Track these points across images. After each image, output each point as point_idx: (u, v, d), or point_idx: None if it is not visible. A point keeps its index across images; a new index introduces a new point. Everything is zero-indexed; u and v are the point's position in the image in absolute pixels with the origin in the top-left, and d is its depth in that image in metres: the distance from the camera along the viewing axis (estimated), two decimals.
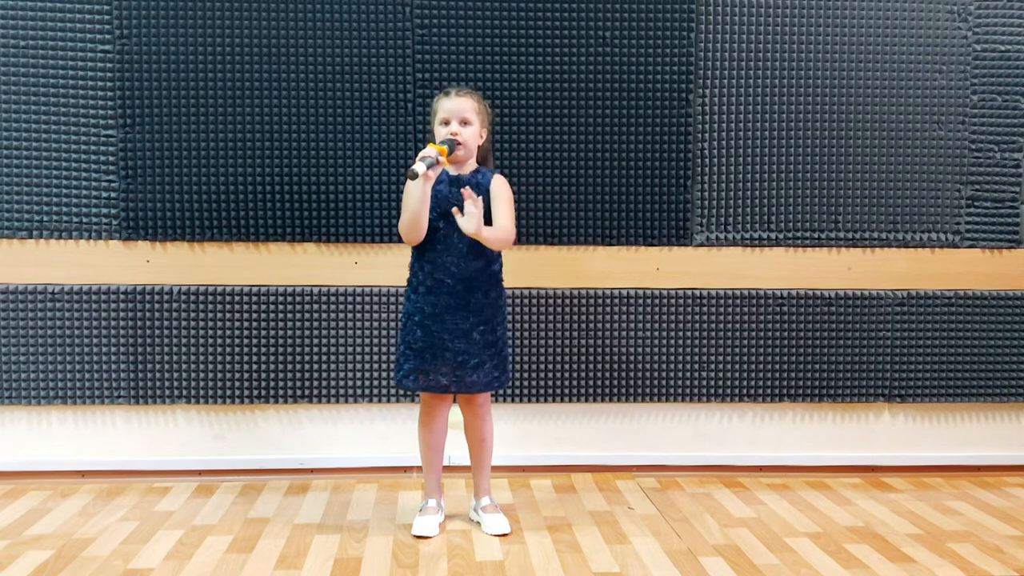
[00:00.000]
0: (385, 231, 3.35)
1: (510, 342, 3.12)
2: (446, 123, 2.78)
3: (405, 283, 3.03)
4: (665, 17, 3.36)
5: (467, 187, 2.69)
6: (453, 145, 2.73)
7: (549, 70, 3.35)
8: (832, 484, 3.44)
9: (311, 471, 3.41)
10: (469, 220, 2.66)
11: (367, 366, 3.39)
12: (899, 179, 3.47)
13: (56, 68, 3.24)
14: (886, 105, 3.45)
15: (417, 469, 3.39)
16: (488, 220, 2.75)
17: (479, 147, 2.84)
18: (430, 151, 2.66)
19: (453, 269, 2.77)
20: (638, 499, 3.22)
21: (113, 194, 3.29)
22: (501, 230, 2.75)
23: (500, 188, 2.81)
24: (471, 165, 2.84)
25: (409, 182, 2.73)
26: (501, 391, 3.34)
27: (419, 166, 2.60)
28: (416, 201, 2.69)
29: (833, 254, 3.48)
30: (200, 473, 3.38)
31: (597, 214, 3.40)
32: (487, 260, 2.82)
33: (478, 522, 2.93)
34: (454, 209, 2.69)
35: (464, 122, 2.78)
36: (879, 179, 3.47)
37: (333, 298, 3.36)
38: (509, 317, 3.09)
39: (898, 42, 3.43)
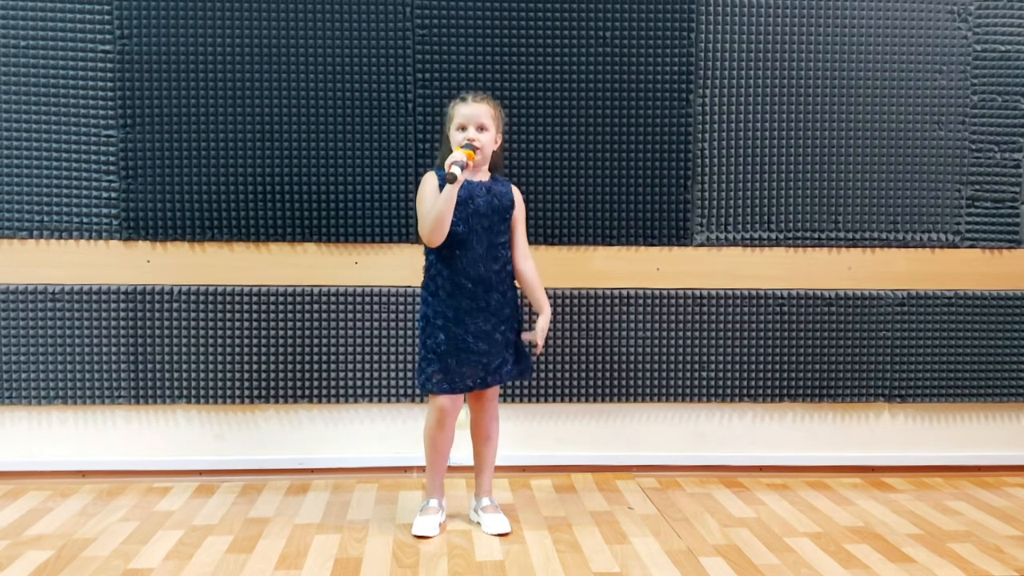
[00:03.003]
0: (385, 231, 3.35)
1: None
2: (463, 128, 2.79)
3: (411, 284, 3.04)
4: (665, 17, 3.36)
5: (537, 344, 2.87)
6: (474, 150, 2.75)
7: (549, 70, 3.35)
8: (832, 484, 3.44)
9: (311, 471, 3.41)
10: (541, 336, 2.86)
11: (367, 366, 3.39)
12: (899, 179, 3.48)
13: (56, 68, 3.24)
14: (886, 105, 3.45)
15: (418, 469, 3.39)
16: (503, 224, 2.83)
17: (492, 152, 2.85)
18: (460, 156, 2.68)
19: (471, 272, 2.79)
20: (638, 499, 3.22)
21: (113, 194, 3.29)
22: (532, 266, 2.91)
23: (521, 206, 2.91)
24: (485, 171, 2.85)
25: (427, 186, 2.79)
26: (502, 391, 3.34)
27: (456, 169, 2.64)
28: (445, 203, 2.70)
29: (833, 254, 3.48)
30: (200, 473, 3.38)
31: (597, 214, 3.40)
32: (503, 262, 2.84)
33: (478, 522, 2.93)
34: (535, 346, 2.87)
35: (481, 128, 2.79)
36: (879, 179, 3.47)
37: (333, 298, 3.36)
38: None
39: (898, 42, 3.43)
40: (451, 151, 2.77)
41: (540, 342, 2.86)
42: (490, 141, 2.81)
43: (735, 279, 3.46)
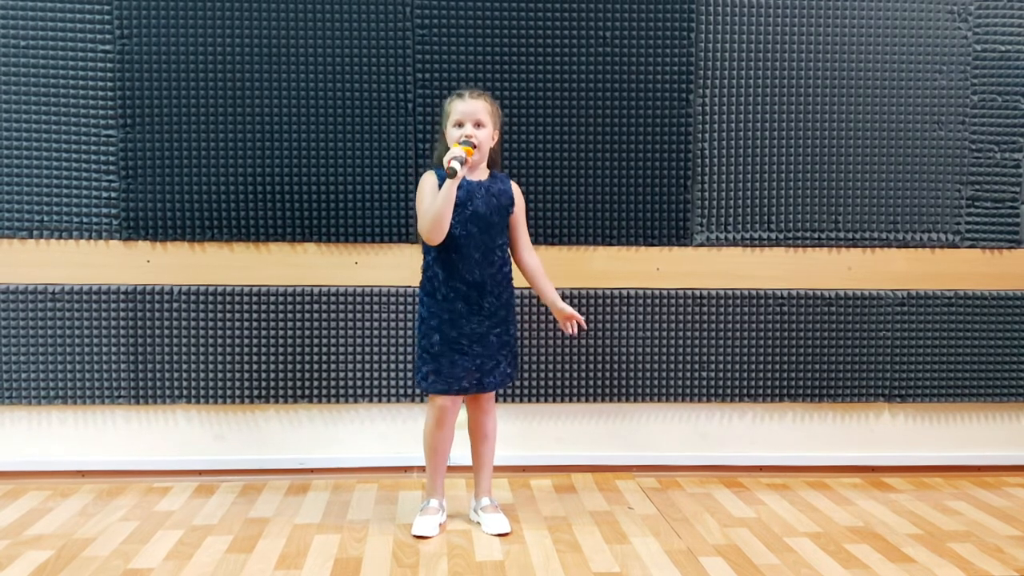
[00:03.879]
0: (385, 231, 3.35)
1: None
2: (460, 125, 2.78)
3: (411, 284, 3.04)
4: (665, 17, 3.36)
5: (571, 323, 2.90)
6: (472, 146, 2.73)
7: (549, 70, 3.35)
8: (832, 484, 3.44)
9: (311, 471, 3.41)
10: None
11: (367, 366, 3.39)
12: (899, 179, 3.48)
13: (56, 68, 3.24)
14: (886, 105, 3.45)
15: (418, 469, 3.39)
16: (502, 224, 2.84)
17: (490, 149, 2.84)
18: (459, 152, 2.67)
19: (467, 276, 2.79)
20: (638, 499, 3.22)
21: (113, 194, 3.29)
22: (536, 259, 2.93)
23: (521, 202, 2.91)
24: (483, 169, 2.85)
25: (426, 184, 2.79)
26: (501, 391, 3.33)
27: (456, 164, 2.63)
28: (444, 200, 2.69)
29: (833, 254, 3.48)
30: (200, 473, 3.38)
31: (597, 214, 3.40)
32: (499, 264, 2.84)
33: (478, 522, 2.93)
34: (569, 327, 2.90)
35: (478, 124, 2.78)
36: (879, 179, 3.47)
37: (333, 298, 3.36)
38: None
39: (898, 42, 3.43)
40: (448, 148, 2.76)
41: (578, 320, 2.88)
42: (487, 138, 2.80)
43: (735, 279, 3.45)
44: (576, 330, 2.90)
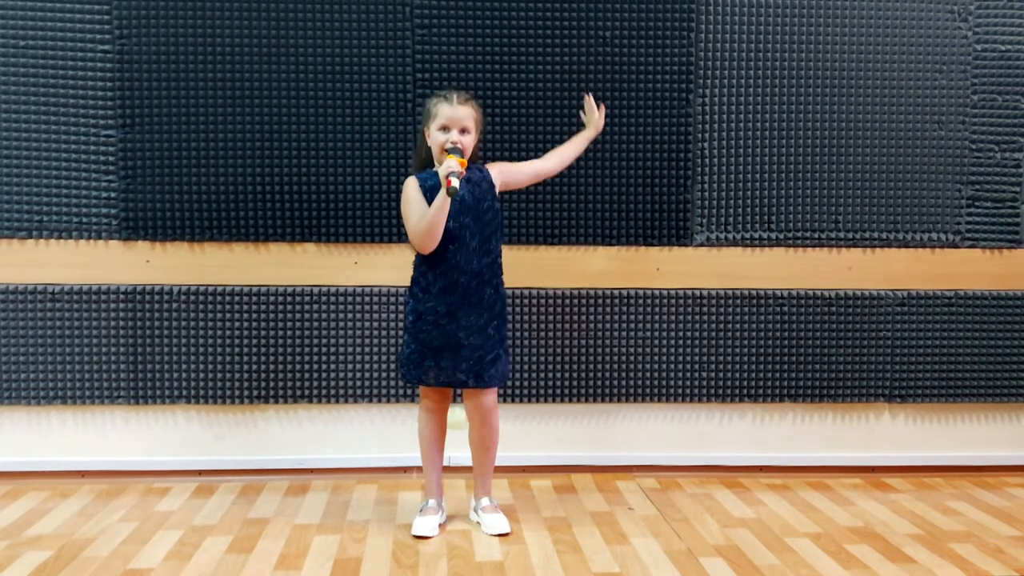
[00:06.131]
0: (385, 231, 3.35)
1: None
2: (445, 129, 2.78)
3: (407, 283, 3.03)
4: (665, 17, 3.36)
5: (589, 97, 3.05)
6: (460, 154, 2.73)
7: (549, 70, 3.35)
8: (832, 484, 3.43)
9: (311, 471, 3.41)
10: (596, 121, 3.05)
11: (367, 366, 3.39)
12: (899, 179, 3.47)
13: (56, 68, 3.24)
14: (886, 105, 3.45)
15: (417, 470, 3.39)
16: (491, 211, 2.84)
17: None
18: (454, 165, 2.66)
19: (465, 267, 2.79)
20: (638, 499, 3.22)
21: (113, 194, 3.29)
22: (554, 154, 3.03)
23: (498, 168, 2.90)
24: None
25: (410, 192, 2.78)
26: (502, 390, 3.33)
27: (456, 181, 2.62)
28: (437, 212, 2.70)
29: (833, 254, 3.48)
30: (200, 473, 3.38)
31: (597, 214, 3.40)
32: (495, 255, 2.85)
33: (478, 522, 2.93)
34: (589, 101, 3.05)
35: (463, 130, 2.78)
36: (879, 179, 3.47)
37: (333, 298, 3.36)
38: (509, 317, 3.09)
39: (898, 42, 3.43)
40: (428, 148, 2.80)
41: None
42: (471, 145, 2.81)
43: (735, 279, 3.45)
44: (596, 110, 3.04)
